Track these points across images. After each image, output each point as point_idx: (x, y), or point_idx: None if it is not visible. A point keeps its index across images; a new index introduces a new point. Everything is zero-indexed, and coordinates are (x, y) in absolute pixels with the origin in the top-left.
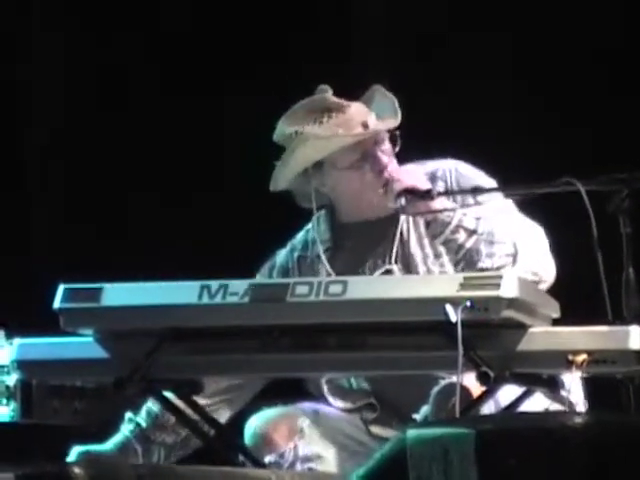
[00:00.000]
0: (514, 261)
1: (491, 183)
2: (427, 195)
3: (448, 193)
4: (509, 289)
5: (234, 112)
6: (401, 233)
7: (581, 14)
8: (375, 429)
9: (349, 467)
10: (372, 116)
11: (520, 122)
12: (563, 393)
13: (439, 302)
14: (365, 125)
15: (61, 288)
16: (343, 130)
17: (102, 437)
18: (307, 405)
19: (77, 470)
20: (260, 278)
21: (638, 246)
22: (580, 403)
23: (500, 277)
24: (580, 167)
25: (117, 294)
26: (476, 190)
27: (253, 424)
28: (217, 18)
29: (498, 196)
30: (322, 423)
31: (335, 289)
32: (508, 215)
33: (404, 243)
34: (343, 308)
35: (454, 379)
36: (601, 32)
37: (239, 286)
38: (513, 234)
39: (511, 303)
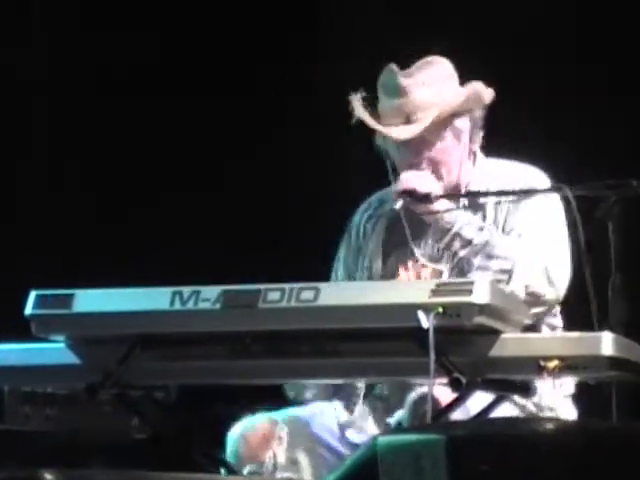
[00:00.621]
0: (509, 278)
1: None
2: (425, 198)
3: (448, 196)
4: (481, 295)
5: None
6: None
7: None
8: (351, 435)
9: (327, 475)
10: None
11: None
12: (536, 399)
13: (411, 308)
14: None
15: (32, 294)
16: None
17: (73, 444)
18: (286, 413)
19: (48, 476)
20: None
21: (626, 252)
22: (564, 409)
23: (472, 283)
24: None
25: (89, 300)
26: (470, 194)
27: (233, 433)
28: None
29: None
30: (300, 431)
31: (307, 295)
32: (529, 230)
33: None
34: (315, 314)
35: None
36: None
37: (211, 292)
38: (517, 252)
39: (483, 309)
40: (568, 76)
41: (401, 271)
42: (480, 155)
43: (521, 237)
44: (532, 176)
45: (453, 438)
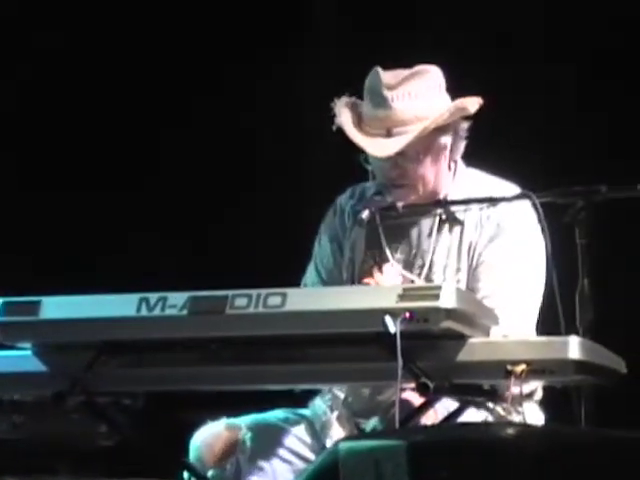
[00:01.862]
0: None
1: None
2: (392, 210)
3: (418, 206)
4: (448, 300)
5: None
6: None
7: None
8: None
9: None
10: None
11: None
12: (503, 404)
13: (378, 313)
14: None
15: None
16: None
17: (41, 451)
18: (251, 419)
19: None
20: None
21: (593, 258)
22: (532, 414)
23: (439, 288)
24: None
25: (55, 307)
26: (439, 203)
27: (196, 438)
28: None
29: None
30: (265, 437)
31: (274, 301)
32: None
33: (434, 247)
34: (282, 320)
35: (407, 393)
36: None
37: (178, 299)
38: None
39: (450, 314)
40: (536, 78)
41: (376, 274)
42: (461, 165)
43: (495, 271)
44: (507, 191)
45: (414, 444)
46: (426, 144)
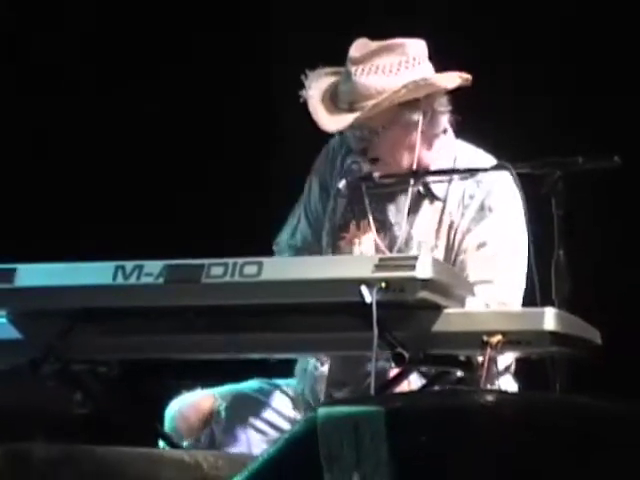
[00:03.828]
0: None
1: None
2: (368, 180)
3: (395, 176)
4: (424, 270)
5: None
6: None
7: None
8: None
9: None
10: None
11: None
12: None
13: (354, 283)
14: None
15: None
16: None
17: (16, 418)
18: (226, 389)
19: None
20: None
21: (569, 228)
22: (505, 384)
23: (415, 258)
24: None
25: (31, 275)
26: (417, 173)
27: (171, 408)
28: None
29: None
30: (240, 407)
31: (250, 270)
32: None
33: (412, 221)
34: (258, 289)
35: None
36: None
37: (154, 267)
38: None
39: (426, 284)
40: (507, 51)
41: (356, 241)
42: (449, 137)
43: (483, 250)
44: (486, 164)
45: (392, 409)
46: (391, 118)
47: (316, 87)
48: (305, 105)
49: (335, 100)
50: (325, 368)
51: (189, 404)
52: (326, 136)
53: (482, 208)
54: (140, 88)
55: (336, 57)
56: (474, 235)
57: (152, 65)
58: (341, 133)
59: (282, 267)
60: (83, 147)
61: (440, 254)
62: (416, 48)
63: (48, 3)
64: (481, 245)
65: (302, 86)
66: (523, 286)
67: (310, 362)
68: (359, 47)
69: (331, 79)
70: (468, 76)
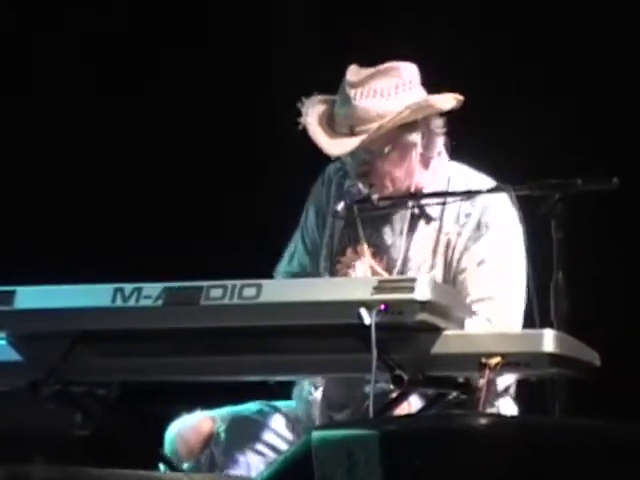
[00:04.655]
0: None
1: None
2: (367, 202)
3: (391, 199)
4: (423, 292)
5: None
6: (405, 230)
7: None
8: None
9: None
10: None
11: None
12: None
13: (353, 305)
14: None
15: None
16: None
17: (16, 441)
18: (226, 411)
19: None
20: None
21: (568, 250)
22: (505, 407)
23: (414, 280)
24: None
25: (30, 297)
26: (415, 195)
27: (171, 430)
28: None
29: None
30: (239, 429)
31: (249, 292)
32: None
33: (409, 242)
34: (257, 311)
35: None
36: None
37: (153, 289)
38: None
39: (425, 306)
40: (507, 76)
41: (353, 265)
42: (443, 159)
43: (482, 268)
44: (484, 186)
45: (387, 433)
46: (391, 141)
47: (312, 113)
48: (304, 131)
49: (332, 125)
50: (319, 393)
51: (189, 426)
52: (324, 157)
53: (479, 226)
54: (140, 89)
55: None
56: (472, 253)
57: (152, 65)
58: (338, 158)
59: (281, 289)
60: (81, 148)
61: (439, 273)
62: (410, 71)
63: (48, 3)
64: (480, 263)
65: (299, 92)
66: (523, 301)
67: (305, 387)
68: (354, 72)
69: (325, 106)
70: (461, 97)
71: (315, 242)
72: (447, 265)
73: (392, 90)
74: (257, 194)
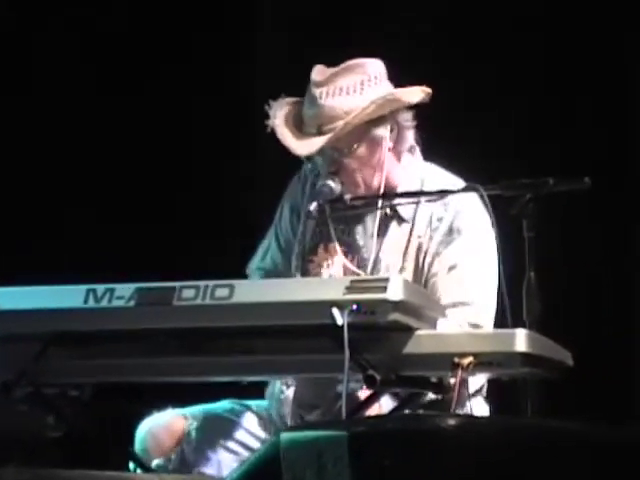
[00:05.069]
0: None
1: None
2: (339, 202)
3: (363, 198)
4: (395, 292)
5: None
6: (377, 230)
7: None
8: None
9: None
10: None
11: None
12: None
13: (325, 305)
14: None
15: None
16: None
17: None
18: (198, 409)
19: None
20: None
21: (540, 250)
22: (477, 407)
23: (386, 280)
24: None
25: (2, 298)
26: (385, 196)
27: (142, 428)
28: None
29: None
30: (211, 427)
31: (222, 293)
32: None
33: (380, 243)
34: (229, 312)
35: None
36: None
37: (125, 290)
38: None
39: (397, 306)
40: (488, 75)
41: (324, 264)
42: (417, 157)
43: (454, 273)
44: (455, 186)
45: (355, 434)
46: (359, 137)
47: (280, 115)
48: (273, 133)
49: (300, 125)
50: (290, 392)
51: (160, 424)
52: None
53: (451, 230)
54: (140, 89)
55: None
56: (444, 258)
57: (152, 65)
58: (309, 158)
59: (253, 290)
60: (81, 147)
61: (408, 276)
62: (375, 67)
63: (48, 3)
64: (452, 268)
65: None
66: (494, 306)
67: (276, 386)
68: (320, 71)
69: (292, 107)
70: (429, 90)
71: (288, 239)
72: (418, 268)
73: (357, 86)
74: (257, 194)
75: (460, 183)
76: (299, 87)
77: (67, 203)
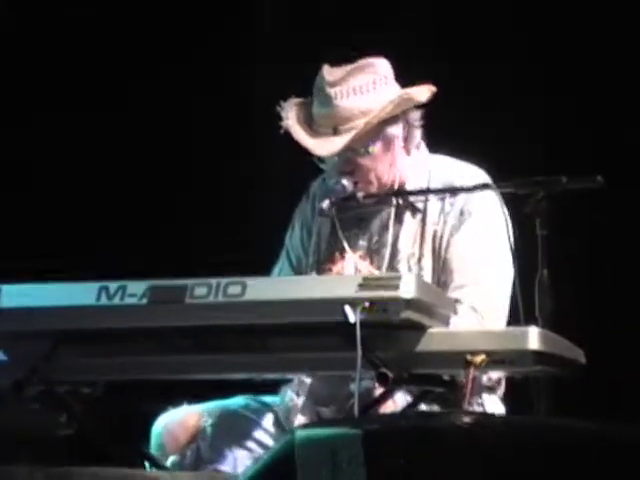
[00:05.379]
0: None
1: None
2: (352, 199)
3: (376, 196)
4: (408, 290)
5: None
6: (392, 224)
7: None
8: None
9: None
10: None
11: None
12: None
13: (338, 303)
14: None
15: None
16: None
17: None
18: (214, 406)
19: None
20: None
21: (553, 248)
22: (492, 407)
23: (399, 278)
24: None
25: (14, 295)
26: (399, 193)
27: (158, 425)
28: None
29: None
30: (226, 423)
31: (234, 290)
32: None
33: (396, 236)
34: (242, 309)
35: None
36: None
37: (138, 287)
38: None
39: (410, 304)
40: (505, 74)
41: (337, 262)
42: (423, 152)
43: (466, 254)
44: (470, 177)
45: (370, 432)
46: (374, 137)
47: (292, 116)
48: (287, 135)
49: (312, 125)
50: (300, 400)
51: (175, 420)
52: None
53: (462, 213)
54: (140, 89)
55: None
56: (456, 240)
57: (151, 65)
58: (321, 160)
59: (266, 287)
60: (80, 146)
61: (428, 264)
62: (384, 66)
63: (48, 3)
64: (464, 249)
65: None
66: (504, 289)
67: (287, 393)
68: (330, 71)
69: (301, 107)
70: (434, 88)
71: (300, 258)
72: (435, 255)
73: (370, 86)
74: (257, 194)
75: (468, 168)
76: (299, 87)
77: (67, 203)
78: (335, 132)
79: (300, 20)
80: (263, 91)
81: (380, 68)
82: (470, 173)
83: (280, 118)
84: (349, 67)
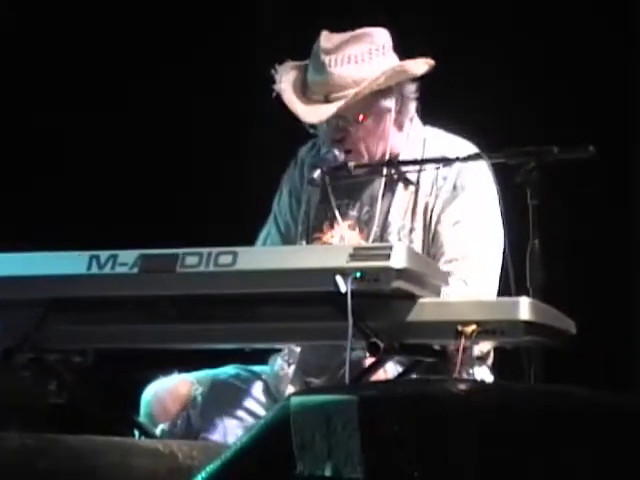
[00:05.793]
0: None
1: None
2: (344, 169)
3: (368, 166)
4: (399, 259)
5: None
6: (383, 195)
7: None
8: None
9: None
10: None
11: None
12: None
13: (329, 273)
14: None
15: None
16: None
17: None
18: (204, 374)
19: None
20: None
21: (544, 218)
22: (481, 375)
23: (390, 248)
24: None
25: (3, 264)
26: (390, 163)
27: (148, 392)
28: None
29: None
30: (216, 392)
31: (225, 260)
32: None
33: (388, 207)
34: (233, 279)
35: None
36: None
37: (128, 256)
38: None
39: (401, 273)
40: (499, 46)
41: (328, 233)
42: (416, 124)
43: (458, 228)
44: (463, 150)
45: (364, 399)
46: (366, 107)
47: (286, 80)
48: (278, 99)
49: (306, 91)
50: (291, 370)
51: (166, 389)
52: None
53: (455, 187)
54: (140, 88)
55: None
56: (448, 214)
57: (151, 65)
58: (312, 126)
59: (257, 257)
60: (80, 145)
61: (418, 237)
62: (382, 36)
63: (48, 3)
64: (456, 223)
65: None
66: (499, 260)
67: (277, 362)
68: (327, 38)
69: (296, 72)
70: (432, 62)
71: (288, 224)
72: (426, 228)
73: (366, 56)
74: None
75: (462, 143)
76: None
77: (67, 203)
78: (326, 100)
79: (300, 20)
80: (263, 92)
81: (378, 38)
82: (463, 147)
83: (274, 81)
84: (347, 35)
